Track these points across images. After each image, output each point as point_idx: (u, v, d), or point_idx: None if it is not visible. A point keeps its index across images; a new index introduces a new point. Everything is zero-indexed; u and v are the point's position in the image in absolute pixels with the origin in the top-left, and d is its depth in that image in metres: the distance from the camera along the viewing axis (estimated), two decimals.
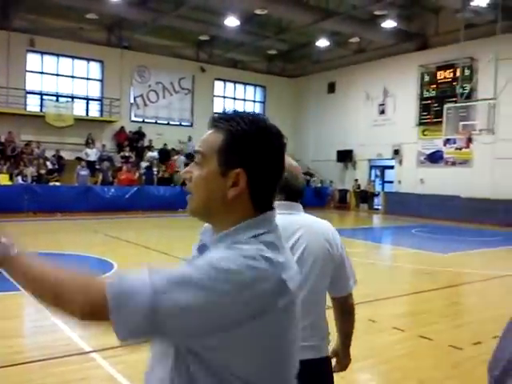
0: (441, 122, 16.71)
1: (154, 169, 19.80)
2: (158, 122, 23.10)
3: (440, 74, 19.49)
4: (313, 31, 20.17)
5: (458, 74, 17.52)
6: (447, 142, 18.59)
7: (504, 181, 16.90)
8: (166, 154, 21.23)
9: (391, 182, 22.42)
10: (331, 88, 24.44)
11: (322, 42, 21.28)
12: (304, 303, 1.79)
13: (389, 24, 18.78)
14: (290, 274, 1.09)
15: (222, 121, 1.15)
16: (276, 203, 1.84)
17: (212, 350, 1.02)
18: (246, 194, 1.13)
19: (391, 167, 22.19)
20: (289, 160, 2.16)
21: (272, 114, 25.69)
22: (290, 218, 2.00)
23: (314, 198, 21.79)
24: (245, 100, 25.92)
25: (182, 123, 23.66)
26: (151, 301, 0.96)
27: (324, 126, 24.34)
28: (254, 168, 1.13)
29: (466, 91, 16.58)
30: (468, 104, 15.89)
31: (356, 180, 22.72)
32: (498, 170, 17.25)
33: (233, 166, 1.12)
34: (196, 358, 1.04)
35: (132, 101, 22.45)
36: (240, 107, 25.59)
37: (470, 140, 15.94)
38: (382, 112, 22.01)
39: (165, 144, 21.75)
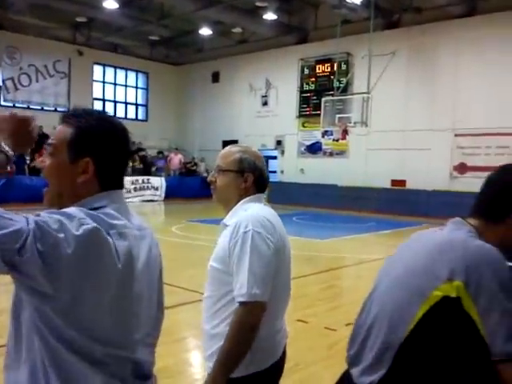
0: (319, 115, 17.45)
1: (27, 157, 18.42)
2: (31, 106, 21.48)
3: (319, 68, 20.25)
4: (195, 19, 19.92)
5: (335, 68, 18.33)
6: (325, 133, 19.42)
7: (376, 170, 18.06)
8: (39, 142, 19.82)
9: (275, 171, 22.98)
10: (215, 77, 24.41)
11: (205, 31, 21.13)
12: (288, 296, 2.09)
13: (270, 16, 19.11)
14: (123, 236, 1.23)
15: (72, 117, 1.33)
16: (253, 196, 2.04)
17: (53, 302, 1.13)
18: (95, 180, 1.30)
19: (274, 157, 22.73)
20: (258, 151, 2.20)
21: (155, 101, 25.14)
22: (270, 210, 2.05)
23: (203, 189, 21.67)
24: (126, 86, 24.98)
25: (58, 109, 22.22)
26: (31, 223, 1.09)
27: (209, 116, 24.27)
28: (101, 157, 1.30)
29: (343, 85, 17.43)
30: (344, 97, 16.72)
31: None
32: (370, 161, 18.40)
33: (82, 156, 1.29)
34: (45, 326, 1.15)
35: (1, 84, 20.67)
36: (121, 93, 24.70)
37: (346, 132, 16.76)
38: (265, 103, 22.44)
39: (39, 129, 20.35)
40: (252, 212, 1.94)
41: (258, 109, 22.61)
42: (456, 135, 16.71)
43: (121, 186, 1.37)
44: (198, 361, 4.36)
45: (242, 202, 2.03)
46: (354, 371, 1.51)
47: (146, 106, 25.36)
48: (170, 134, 24.71)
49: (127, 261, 1.22)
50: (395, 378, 1.42)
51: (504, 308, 1.36)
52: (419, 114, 17.30)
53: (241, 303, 1.79)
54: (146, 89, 25.52)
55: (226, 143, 21.26)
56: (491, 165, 15.85)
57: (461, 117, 16.46)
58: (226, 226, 1.97)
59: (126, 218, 1.29)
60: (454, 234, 1.56)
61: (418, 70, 17.43)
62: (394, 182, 17.92)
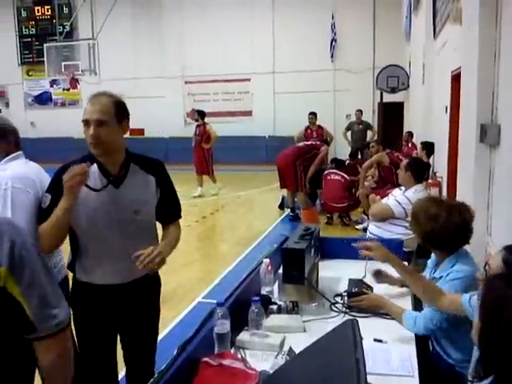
0: (44, 62, 16.06)
1: None
2: None
3: (38, 10, 18.41)
4: None
5: (56, 11, 16.92)
6: (54, 82, 18.09)
7: None
8: None
9: None
10: None
11: None
12: None
13: None
14: None
15: None
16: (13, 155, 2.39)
17: None
18: None
19: None
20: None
21: None
22: None
23: None
24: None
25: None
26: None
27: None
28: None
29: (66, 30, 16.21)
30: (68, 43, 15.62)
31: None
32: None
33: None
34: None
35: None
36: None
37: (76, 80, 15.89)
38: None
39: None
40: (11, 171, 2.22)
41: None
42: (186, 82, 17.34)
43: None
44: None
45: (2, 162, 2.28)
46: None
47: None
48: None
49: None
50: None
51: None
52: (149, 62, 17.31)
53: None
54: None
55: None
56: (220, 110, 17.05)
57: (189, 64, 17.08)
58: None
59: None
60: None
61: (145, 15, 17.25)
62: (133, 131, 17.83)
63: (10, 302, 1.24)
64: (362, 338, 1.36)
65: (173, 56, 17.17)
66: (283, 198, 8.89)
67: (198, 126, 10.95)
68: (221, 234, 7.72)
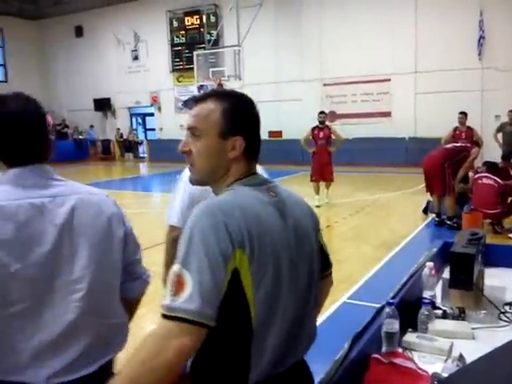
0: (193, 69, 17.18)
1: None
2: None
3: (188, 20, 19.78)
4: None
5: (204, 20, 18.02)
6: (201, 88, 19.20)
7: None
8: None
9: (153, 129, 22.44)
10: (79, 32, 22.84)
11: None
12: None
13: None
14: None
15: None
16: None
17: None
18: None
19: (151, 114, 22.15)
20: None
21: (15, 60, 22.93)
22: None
23: (76, 151, 20.74)
24: None
25: None
26: None
27: (76, 73, 22.79)
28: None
29: (213, 38, 17.20)
30: (215, 51, 16.55)
31: (118, 129, 22.17)
32: None
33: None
34: None
35: None
36: None
37: (221, 86, 16.71)
38: (136, 58, 21.57)
39: None
40: None
41: (129, 64, 21.71)
42: (324, 85, 17.41)
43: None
44: None
45: None
46: None
47: (2, 65, 23.11)
48: (34, 95, 22.86)
49: None
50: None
51: None
52: (289, 66, 17.69)
53: None
54: (2, 47, 23.19)
55: (97, 102, 20.04)
56: (358, 111, 16.87)
57: (327, 67, 17.13)
58: None
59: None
60: None
61: (286, 21, 17.69)
62: (272, 134, 18.36)
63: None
64: None
65: (312, 59, 17.35)
66: (428, 202, 8.56)
67: (320, 128, 10.00)
68: (362, 236, 7.67)
